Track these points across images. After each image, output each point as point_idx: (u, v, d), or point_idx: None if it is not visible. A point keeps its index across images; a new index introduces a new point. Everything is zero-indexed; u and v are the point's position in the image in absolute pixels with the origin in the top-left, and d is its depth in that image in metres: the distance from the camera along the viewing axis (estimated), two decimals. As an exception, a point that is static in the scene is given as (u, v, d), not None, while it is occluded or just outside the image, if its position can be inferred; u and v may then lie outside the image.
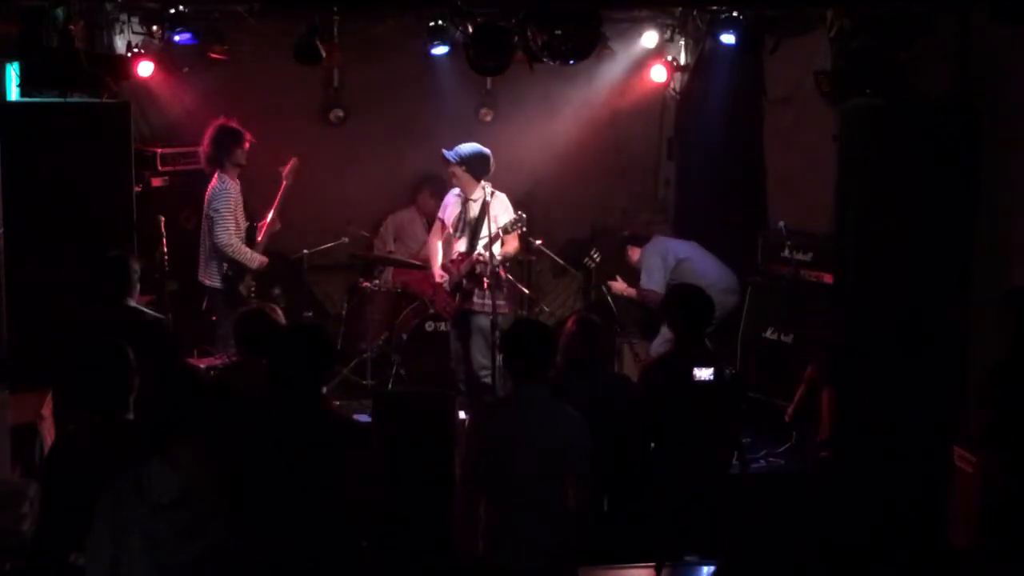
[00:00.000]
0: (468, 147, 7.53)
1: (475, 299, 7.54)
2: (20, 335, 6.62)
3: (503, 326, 7.05)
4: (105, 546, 3.62)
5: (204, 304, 8.03)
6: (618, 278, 8.35)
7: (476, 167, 7.48)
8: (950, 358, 6.74)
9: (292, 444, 4.15)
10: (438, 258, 7.81)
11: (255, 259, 7.71)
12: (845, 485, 5.48)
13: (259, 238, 7.81)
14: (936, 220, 6.86)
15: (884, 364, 6.52)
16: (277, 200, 7.83)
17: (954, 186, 6.86)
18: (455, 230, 7.63)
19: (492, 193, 7.45)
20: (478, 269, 7.43)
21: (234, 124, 7.70)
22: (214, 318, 7.88)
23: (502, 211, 7.49)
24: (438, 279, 7.77)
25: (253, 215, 7.93)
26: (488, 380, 7.42)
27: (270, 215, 7.83)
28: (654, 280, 8.00)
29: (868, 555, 4.76)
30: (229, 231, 7.63)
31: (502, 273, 7.52)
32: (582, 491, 4.55)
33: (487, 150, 7.56)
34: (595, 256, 8.43)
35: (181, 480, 3.62)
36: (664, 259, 8.01)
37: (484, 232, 7.39)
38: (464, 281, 7.52)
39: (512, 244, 7.57)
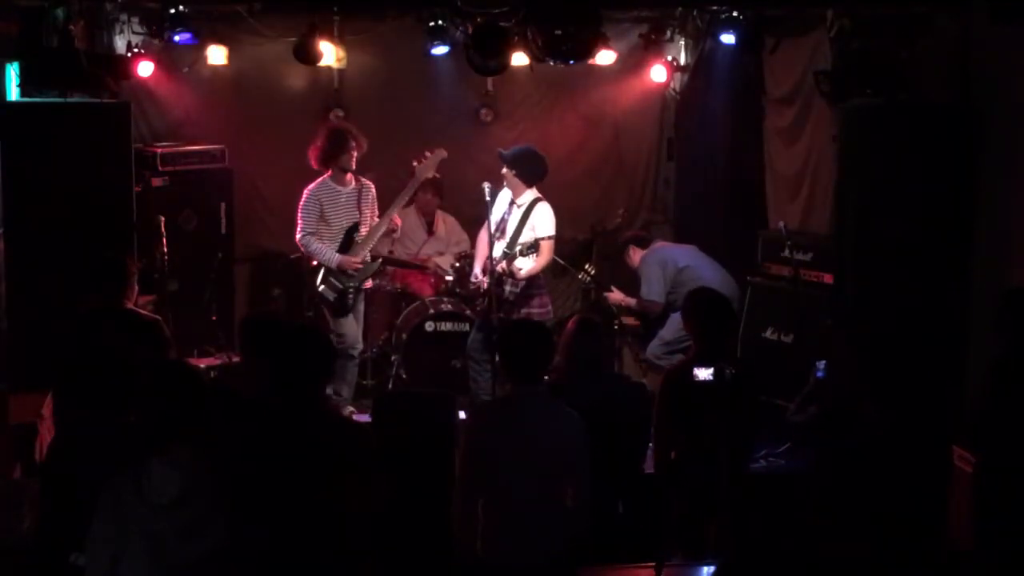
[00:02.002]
0: (521, 150, 7.45)
1: (515, 311, 7.35)
2: (20, 335, 6.63)
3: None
4: (105, 546, 3.62)
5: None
6: (614, 288, 8.31)
7: (526, 171, 7.35)
8: (950, 358, 6.74)
9: (293, 445, 4.16)
10: (482, 255, 7.63)
11: (333, 258, 7.46)
12: (844, 485, 5.49)
13: (359, 238, 7.57)
14: (936, 220, 6.86)
15: (884, 364, 6.52)
16: (406, 193, 7.66)
17: (954, 186, 6.85)
18: (496, 230, 7.52)
19: (536, 200, 7.36)
20: (507, 287, 7.30)
21: (346, 128, 7.55)
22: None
23: (541, 221, 7.33)
24: (473, 279, 7.70)
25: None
26: None
27: (398, 211, 7.65)
28: (654, 291, 7.93)
29: (867, 555, 4.77)
30: (304, 231, 7.45)
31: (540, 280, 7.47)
32: (580, 490, 4.55)
33: (541, 154, 7.44)
34: (590, 270, 8.38)
35: (181, 480, 3.63)
36: (664, 268, 7.94)
37: (521, 239, 7.30)
38: (492, 288, 7.28)
39: (544, 257, 7.33)
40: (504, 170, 7.39)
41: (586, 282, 8.47)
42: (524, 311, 7.33)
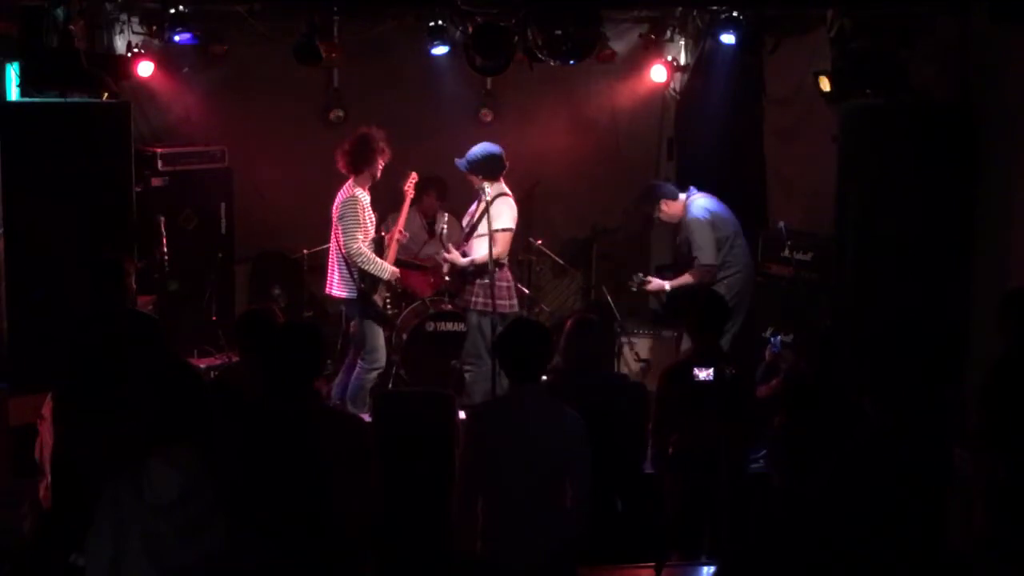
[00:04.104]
0: (477, 151, 7.45)
1: (462, 296, 7.67)
2: (20, 335, 6.63)
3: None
4: (105, 546, 3.62)
5: (342, 320, 7.92)
6: (651, 279, 7.92)
7: (489, 169, 7.41)
8: (950, 358, 6.74)
9: (286, 443, 4.16)
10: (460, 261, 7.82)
11: (386, 269, 7.45)
12: (843, 486, 5.48)
13: (388, 250, 7.63)
14: (936, 220, 6.86)
15: (884, 364, 6.52)
16: (403, 216, 7.78)
17: (954, 186, 6.86)
18: (466, 227, 7.65)
19: (500, 195, 7.42)
20: (468, 271, 7.52)
21: (379, 135, 7.46)
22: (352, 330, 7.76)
23: (498, 214, 7.39)
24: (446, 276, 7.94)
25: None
26: (468, 375, 7.56)
27: (398, 229, 7.73)
28: (708, 253, 7.61)
29: (867, 556, 4.76)
30: (358, 240, 7.35)
31: (505, 274, 7.53)
32: (580, 490, 4.55)
33: (496, 148, 7.47)
34: (642, 279, 7.90)
35: (181, 480, 3.63)
36: (713, 227, 7.68)
37: (481, 230, 7.38)
38: (454, 280, 7.73)
39: (498, 247, 7.33)
40: (469, 177, 7.48)
41: (634, 289, 8.05)
42: (483, 300, 7.41)
